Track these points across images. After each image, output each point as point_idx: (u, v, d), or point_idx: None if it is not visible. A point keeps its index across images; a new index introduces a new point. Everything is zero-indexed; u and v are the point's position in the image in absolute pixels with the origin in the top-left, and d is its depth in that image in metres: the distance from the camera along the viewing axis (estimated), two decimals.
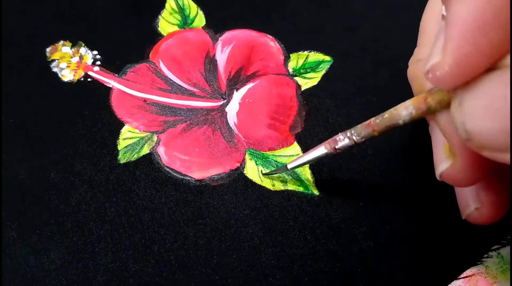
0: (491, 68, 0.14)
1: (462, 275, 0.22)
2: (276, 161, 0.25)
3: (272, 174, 0.24)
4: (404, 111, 0.17)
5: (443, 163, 0.17)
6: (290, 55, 0.28)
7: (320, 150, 0.21)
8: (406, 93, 0.27)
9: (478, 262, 0.23)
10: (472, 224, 0.23)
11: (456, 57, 0.14)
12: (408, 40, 0.23)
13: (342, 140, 0.20)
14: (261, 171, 0.24)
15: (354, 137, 0.19)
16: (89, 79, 0.27)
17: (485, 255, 0.23)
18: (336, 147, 0.20)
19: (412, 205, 0.24)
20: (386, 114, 0.18)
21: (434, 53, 0.15)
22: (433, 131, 0.19)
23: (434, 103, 0.16)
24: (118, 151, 0.25)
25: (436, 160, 0.18)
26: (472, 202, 0.19)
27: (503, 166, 0.16)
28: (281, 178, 0.24)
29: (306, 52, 0.29)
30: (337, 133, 0.25)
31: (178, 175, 0.24)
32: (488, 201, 0.19)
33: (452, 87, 0.15)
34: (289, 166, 0.23)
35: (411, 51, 0.21)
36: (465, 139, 0.15)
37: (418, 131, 0.26)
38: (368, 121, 0.19)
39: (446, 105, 0.16)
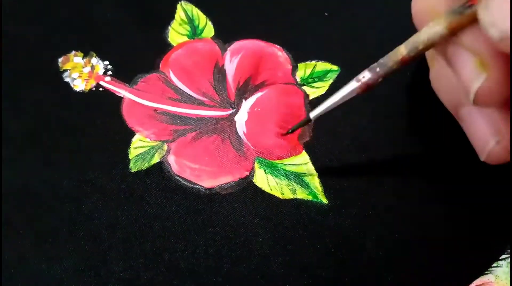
0: None
1: (471, 285, 0.22)
2: (285, 169, 0.25)
3: (296, 128, 0.24)
4: (437, 37, 0.17)
5: (478, 78, 0.17)
6: (298, 64, 0.29)
7: (348, 92, 0.20)
8: (413, 100, 0.28)
9: (487, 271, 0.23)
10: (481, 232, 0.23)
11: None
12: None
13: (374, 79, 0.19)
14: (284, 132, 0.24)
15: (384, 73, 0.19)
16: (100, 89, 0.28)
17: (495, 264, 0.23)
18: (364, 81, 0.19)
19: (421, 214, 0.24)
20: (420, 46, 0.18)
21: None
22: (454, 56, 0.18)
23: (467, 21, 0.16)
24: (129, 160, 0.25)
25: (466, 80, 0.17)
26: (491, 137, 0.19)
27: None
28: (290, 187, 0.24)
29: (313, 62, 0.29)
30: (346, 141, 0.25)
31: (188, 184, 0.24)
32: (508, 132, 0.18)
33: None
34: (311, 115, 0.21)
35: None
36: (498, 39, 0.15)
37: (428, 138, 0.26)
38: (399, 55, 0.18)
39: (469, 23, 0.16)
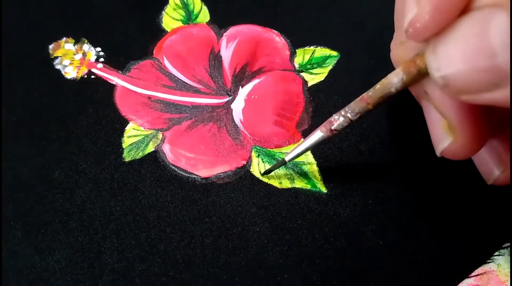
0: (463, 12, 0.14)
1: (473, 273, 0.22)
2: (282, 158, 0.24)
3: (272, 170, 0.23)
4: (395, 78, 0.17)
5: (444, 141, 0.17)
6: (296, 50, 0.28)
7: (316, 135, 0.21)
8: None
9: (489, 260, 0.22)
10: (482, 221, 0.23)
11: (433, 1, 0.14)
12: None
13: (337, 120, 0.20)
14: (260, 171, 0.24)
15: (349, 115, 0.19)
16: (92, 76, 0.27)
17: (496, 253, 0.22)
18: (332, 128, 0.20)
19: (422, 202, 0.23)
20: (378, 85, 0.18)
21: (409, 8, 0.15)
22: (427, 110, 0.19)
23: (423, 64, 0.16)
24: (123, 149, 0.24)
25: (434, 138, 0.18)
26: (496, 168, 0.20)
27: (503, 125, 0.16)
28: (288, 176, 0.24)
29: (312, 47, 0.28)
30: (345, 129, 0.25)
31: (183, 173, 0.24)
32: (509, 161, 0.19)
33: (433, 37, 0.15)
34: (287, 159, 0.22)
35: None
36: (442, 85, 0.15)
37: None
38: (360, 96, 0.19)
39: None
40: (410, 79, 0.17)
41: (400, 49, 0.19)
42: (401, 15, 0.20)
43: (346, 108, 0.19)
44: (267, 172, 0.23)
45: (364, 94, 0.18)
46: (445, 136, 0.17)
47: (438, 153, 0.18)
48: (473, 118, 0.16)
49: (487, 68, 0.13)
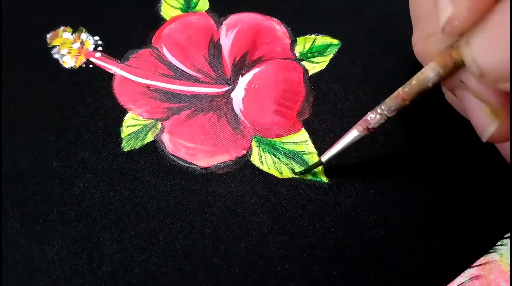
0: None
1: (475, 263, 0.22)
2: (283, 148, 0.24)
3: (307, 171, 0.23)
4: (431, 72, 0.17)
5: (490, 126, 0.17)
6: (297, 38, 0.28)
7: (352, 134, 0.20)
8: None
9: (492, 250, 0.22)
10: (485, 211, 0.22)
11: None
12: None
13: (374, 118, 0.19)
14: (293, 170, 0.23)
15: (385, 113, 0.19)
16: (90, 66, 0.27)
17: (499, 243, 0.22)
18: (369, 127, 0.20)
19: (424, 192, 0.23)
20: (414, 80, 0.18)
21: (443, 7, 0.15)
22: (465, 98, 0.18)
23: (459, 56, 0.16)
24: (121, 138, 0.24)
25: (478, 125, 0.18)
26: None
27: None
28: (289, 166, 0.23)
29: (313, 36, 0.28)
30: (347, 118, 0.25)
31: (183, 163, 0.24)
32: None
33: None
34: (323, 159, 0.22)
35: None
36: (478, 75, 0.15)
37: (429, 116, 0.25)
38: (396, 92, 0.18)
39: None
40: (446, 72, 0.17)
41: (428, 43, 0.19)
42: (420, 9, 0.20)
43: (382, 106, 0.19)
44: (302, 173, 0.23)
45: (400, 90, 0.18)
46: (490, 121, 0.17)
47: (484, 139, 0.18)
48: None
49: None
